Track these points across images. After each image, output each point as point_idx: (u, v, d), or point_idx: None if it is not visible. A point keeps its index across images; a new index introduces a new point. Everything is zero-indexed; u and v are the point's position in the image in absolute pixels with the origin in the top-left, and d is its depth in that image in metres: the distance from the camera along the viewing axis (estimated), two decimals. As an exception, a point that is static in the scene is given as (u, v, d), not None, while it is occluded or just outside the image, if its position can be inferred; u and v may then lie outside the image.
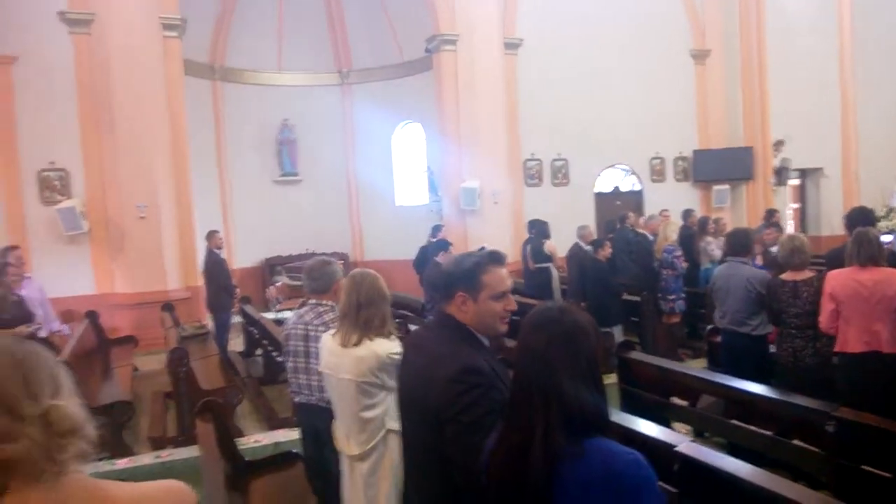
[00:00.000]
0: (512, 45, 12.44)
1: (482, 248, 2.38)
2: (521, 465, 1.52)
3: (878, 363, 4.29)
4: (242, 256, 13.49)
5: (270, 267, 13.85)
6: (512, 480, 1.55)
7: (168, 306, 9.62)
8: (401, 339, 3.11)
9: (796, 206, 15.78)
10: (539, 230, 9.27)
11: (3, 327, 5.38)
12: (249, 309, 9.52)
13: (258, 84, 13.90)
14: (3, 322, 5.40)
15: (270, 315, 10.79)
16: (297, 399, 3.71)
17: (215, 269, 8.86)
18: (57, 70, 9.74)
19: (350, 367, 3.02)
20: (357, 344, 3.02)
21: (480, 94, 11.74)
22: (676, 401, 5.15)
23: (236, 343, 9.51)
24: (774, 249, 6.70)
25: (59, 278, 9.14)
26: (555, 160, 13.13)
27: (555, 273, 9.15)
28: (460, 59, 11.71)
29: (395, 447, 2.99)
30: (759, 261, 7.06)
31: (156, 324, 9.39)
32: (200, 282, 9.78)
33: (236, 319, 9.60)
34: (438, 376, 1.98)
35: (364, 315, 3.03)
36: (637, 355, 5.64)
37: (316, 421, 3.53)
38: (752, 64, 13.79)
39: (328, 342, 3.18)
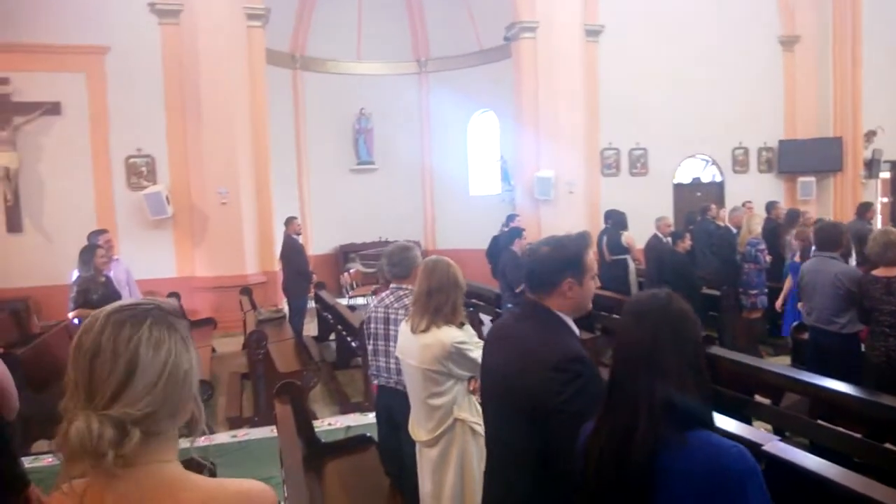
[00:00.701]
0: (593, 32, 12.25)
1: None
2: (624, 451, 1.51)
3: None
4: (318, 243, 13.82)
5: (344, 254, 14.15)
6: (613, 467, 1.55)
7: (246, 290, 9.96)
8: (475, 328, 3.10)
9: (886, 199, 14.92)
10: (616, 221, 9.10)
11: (93, 306, 5.68)
12: (324, 294, 9.74)
13: (337, 73, 14.18)
14: (92, 302, 5.64)
15: (344, 301, 11.02)
16: (375, 381, 3.78)
17: (293, 254, 9.10)
18: (145, 59, 10.19)
19: (416, 353, 3.05)
20: (425, 330, 3.03)
21: (559, 82, 11.60)
22: (759, 398, 4.99)
23: (310, 327, 9.74)
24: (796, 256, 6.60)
25: (143, 261, 9.54)
26: (633, 149, 12.87)
27: (632, 265, 8.98)
28: (539, 47, 11.60)
29: (462, 436, 3.01)
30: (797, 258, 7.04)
31: (234, 307, 9.75)
32: (278, 267, 10.07)
33: (311, 304, 9.83)
34: (538, 366, 1.95)
35: (434, 301, 3.04)
36: (718, 350, 5.48)
37: (392, 403, 3.60)
38: (845, 51, 13.06)
39: (403, 326, 3.23)
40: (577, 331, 2.14)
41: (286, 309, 9.24)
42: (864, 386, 4.67)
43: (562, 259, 2.10)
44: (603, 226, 9.58)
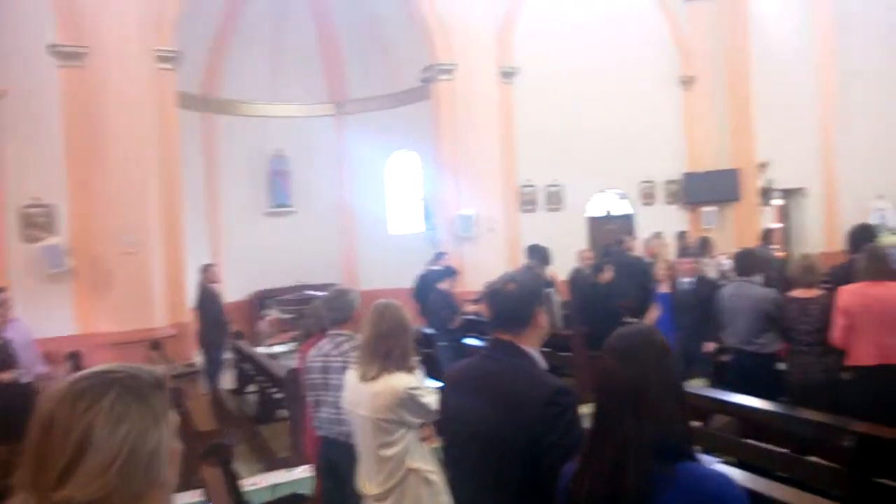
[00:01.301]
0: (508, 74, 12.64)
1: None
2: (614, 487, 1.51)
3: (890, 375, 4.30)
4: (232, 289, 13.31)
5: (261, 300, 13.69)
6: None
7: (156, 344, 9.40)
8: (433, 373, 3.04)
9: (779, 225, 15.97)
10: (540, 256, 9.26)
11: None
12: (242, 344, 9.36)
13: (252, 115, 13.92)
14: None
15: (261, 349, 10.62)
16: (318, 433, 3.61)
17: (209, 303, 8.73)
18: (45, 104, 9.57)
19: (366, 402, 2.93)
20: (375, 378, 2.92)
21: (476, 123, 11.86)
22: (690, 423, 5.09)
23: (225, 380, 9.31)
24: (687, 281, 6.82)
25: (40, 319, 8.76)
26: (549, 186, 13.27)
27: (556, 298, 9.12)
28: (457, 88, 11.84)
29: (415, 487, 2.91)
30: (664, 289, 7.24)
31: (142, 363, 9.13)
32: (190, 318, 9.59)
33: (226, 356, 9.42)
34: (530, 404, 1.94)
35: (384, 347, 2.94)
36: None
37: (334, 456, 3.45)
38: (737, 89, 14.09)
39: (350, 376, 3.10)
40: (545, 365, 2.15)
41: (200, 362, 8.80)
42: (783, 402, 4.90)
43: (530, 291, 2.16)
44: (525, 261, 9.72)
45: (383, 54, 13.73)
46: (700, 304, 6.36)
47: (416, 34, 12.12)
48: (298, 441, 5.79)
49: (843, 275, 5.14)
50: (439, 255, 9.53)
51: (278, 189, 14.19)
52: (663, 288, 7.23)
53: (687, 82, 14.30)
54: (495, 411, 2.01)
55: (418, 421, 3.00)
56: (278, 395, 6.67)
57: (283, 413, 6.79)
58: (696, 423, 5.08)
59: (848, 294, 4.47)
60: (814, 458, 4.27)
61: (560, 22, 13.04)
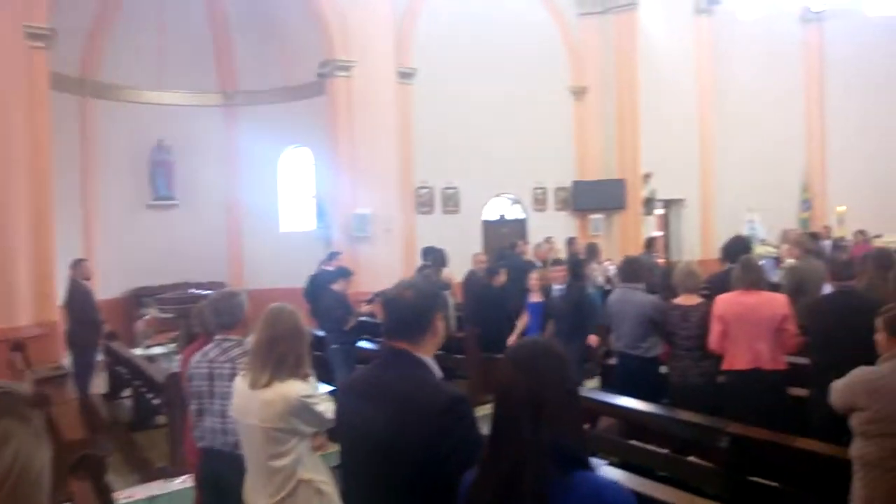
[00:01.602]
0: (406, 75, 12.57)
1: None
2: (512, 495, 1.52)
3: (761, 379, 4.58)
4: (108, 286, 12.46)
5: (138, 298, 12.87)
6: None
7: (18, 345, 8.58)
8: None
9: (660, 233, 16.89)
10: (436, 258, 9.27)
11: None
12: (117, 345, 8.76)
13: (134, 102, 13.05)
14: None
15: (138, 351, 9.97)
16: (200, 444, 3.38)
17: (81, 301, 8.10)
18: None
19: (257, 411, 2.77)
20: (267, 385, 2.77)
21: (374, 122, 11.71)
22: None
23: (96, 384, 8.65)
24: (558, 288, 6.83)
25: None
26: (446, 188, 13.33)
27: (450, 301, 9.15)
28: (354, 86, 11.65)
29: (307, 499, 2.78)
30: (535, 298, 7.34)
31: (1, 367, 8.34)
32: (59, 316, 8.86)
33: (98, 358, 8.77)
34: (423, 414, 1.90)
35: (277, 353, 2.80)
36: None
37: (219, 468, 3.23)
38: (625, 102, 14.75)
39: (239, 383, 2.93)
40: (440, 374, 2.11)
41: (68, 364, 8.15)
42: (665, 404, 5.12)
43: (428, 298, 2.13)
44: (420, 262, 9.71)
45: (279, 46, 13.29)
46: (572, 310, 6.54)
47: (314, 28, 11.83)
48: (178, 450, 5.45)
49: (720, 284, 5.45)
50: (333, 255, 9.33)
51: (161, 181, 13.40)
52: (534, 297, 7.33)
53: (579, 93, 14.83)
54: (390, 421, 1.97)
55: (311, 430, 2.88)
56: (156, 401, 6.26)
57: (161, 420, 6.40)
58: (584, 426, 5.24)
59: (723, 302, 4.72)
60: (692, 458, 4.48)
61: (459, 27, 13.14)
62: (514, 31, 13.83)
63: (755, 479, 4.06)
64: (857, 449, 3.07)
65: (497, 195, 14.26)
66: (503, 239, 12.57)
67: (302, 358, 2.88)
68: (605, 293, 7.41)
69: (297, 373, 2.84)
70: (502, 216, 14.46)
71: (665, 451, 4.64)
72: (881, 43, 16.96)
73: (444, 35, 12.98)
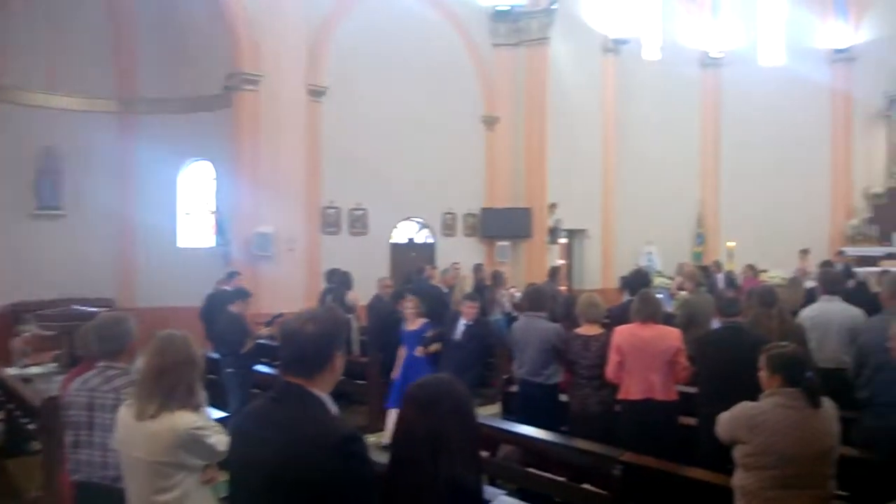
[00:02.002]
0: (317, 92, 12.38)
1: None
2: None
3: (653, 409, 4.72)
4: (-21, 301, 11.51)
5: (16, 314, 11.91)
6: None
7: None
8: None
9: (564, 262, 17.39)
10: (340, 281, 9.11)
11: None
12: (-11, 364, 8.06)
13: (20, 103, 12.15)
14: None
15: (14, 371, 9.21)
16: (74, 477, 3.13)
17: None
18: None
19: (143, 444, 2.63)
20: (154, 416, 2.63)
21: (280, 138, 11.45)
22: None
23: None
24: (464, 322, 6.58)
25: None
26: (354, 209, 13.16)
27: (354, 324, 9.01)
28: (262, 100, 11.37)
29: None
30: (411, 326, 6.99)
31: None
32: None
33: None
34: (315, 451, 1.82)
35: (166, 383, 2.67)
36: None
37: (95, 502, 3.01)
38: (534, 133, 15.17)
39: (122, 414, 2.74)
40: (336, 410, 2.03)
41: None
42: (565, 432, 5.21)
43: (331, 333, 2.03)
44: (324, 284, 9.53)
45: (185, 53, 12.75)
46: (472, 344, 6.53)
47: (223, 39, 11.49)
48: (53, 479, 5.04)
49: (620, 315, 5.62)
50: (231, 275, 9.01)
51: (47, 189, 12.50)
52: (410, 325, 7.03)
53: (490, 122, 15.13)
54: (281, 459, 1.88)
55: (201, 463, 2.74)
56: (31, 426, 5.77)
57: (37, 446, 5.90)
58: (483, 453, 5.25)
59: (621, 334, 4.86)
60: (587, 486, 4.56)
61: (373, 48, 13.11)
62: (430, 56, 13.98)
63: (647, 507, 4.18)
64: (738, 479, 3.20)
65: (406, 218, 14.25)
66: (411, 263, 12.55)
67: (193, 388, 2.77)
68: (511, 320, 7.51)
69: (187, 403, 2.72)
70: (411, 240, 14.46)
71: (562, 478, 4.69)
72: (771, 90, 18.33)
73: (358, 55, 12.92)
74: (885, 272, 7.65)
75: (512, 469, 5.09)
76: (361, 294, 9.22)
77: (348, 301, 8.87)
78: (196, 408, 2.75)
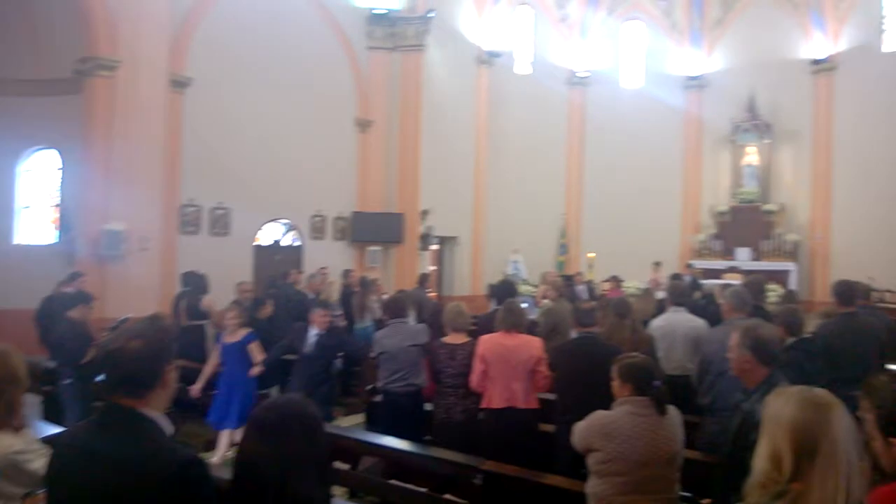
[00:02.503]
0: (179, 83, 11.65)
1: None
2: None
3: (514, 417, 4.78)
4: None
5: None
6: None
7: None
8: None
9: (434, 268, 17.54)
10: (196, 284, 8.57)
11: None
12: None
13: None
14: None
15: None
16: None
17: None
18: None
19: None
20: None
21: (137, 129, 10.59)
22: (338, 465, 5.08)
23: None
24: (315, 332, 6.13)
25: None
26: (215, 208, 12.46)
27: (210, 331, 8.51)
28: (118, 88, 10.46)
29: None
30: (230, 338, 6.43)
31: None
32: None
33: None
34: (150, 480, 1.66)
35: None
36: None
37: None
38: (408, 139, 15.18)
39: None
40: (171, 429, 1.87)
41: None
42: (429, 442, 5.17)
43: (159, 347, 1.87)
44: (179, 288, 8.96)
45: (32, 32, 11.58)
46: (324, 357, 6.16)
47: (76, 19, 10.49)
48: None
49: (486, 323, 5.66)
50: (74, 276, 8.23)
51: None
52: (230, 336, 6.45)
53: (363, 125, 14.96)
54: (114, 490, 1.70)
55: (21, 490, 2.43)
56: None
57: None
58: (344, 466, 5.09)
59: (485, 343, 4.90)
60: (449, 496, 4.53)
61: (243, 41, 12.58)
62: (302, 54, 13.61)
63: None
64: (591, 486, 3.27)
65: (272, 220, 13.76)
66: (276, 266, 12.08)
67: (14, 407, 2.49)
68: (381, 326, 7.36)
69: (6, 424, 2.43)
70: (277, 242, 13.97)
71: (423, 489, 4.64)
72: (632, 111, 19.54)
73: (226, 48, 12.32)
74: (727, 285, 8.24)
75: (373, 481, 4.99)
76: (220, 299, 8.74)
77: (203, 306, 8.36)
78: (17, 429, 2.48)
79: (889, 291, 15.26)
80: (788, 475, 1.62)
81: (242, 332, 6.42)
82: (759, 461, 1.70)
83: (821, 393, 1.71)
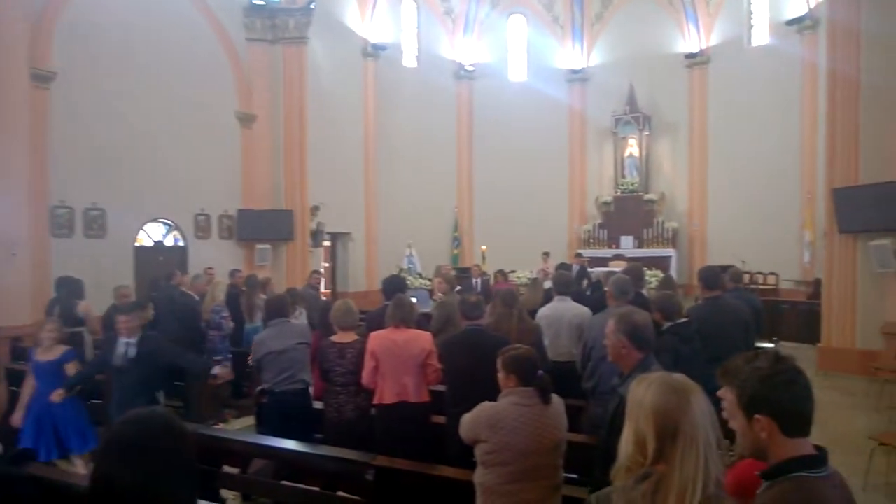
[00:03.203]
0: (43, 78, 10.79)
1: None
2: None
3: (407, 411, 4.80)
4: None
5: None
6: None
7: None
8: None
9: (328, 265, 17.31)
10: (71, 289, 8.02)
11: None
12: None
13: None
14: None
15: None
16: None
17: None
18: None
19: None
20: None
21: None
22: (227, 469, 4.94)
23: None
24: (124, 341, 5.39)
25: None
26: (89, 209, 11.66)
27: (88, 338, 8.00)
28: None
29: None
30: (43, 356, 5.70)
31: None
32: None
33: None
34: None
35: None
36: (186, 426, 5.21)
37: None
38: (294, 134, 14.81)
39: None
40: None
41: None
42: (320, 441, 5.09)
43: None
44: (53, 294, 8.36)
45: None
46: (139, 367, 5.41)
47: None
48: None
49: (376, 319, 5.63)
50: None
51: None
52: (43, 355, 5.72)
53: (246, 119, 14.48)
54: None
55: None
56: None
57: None
58: (234, 470, 4.93)
59: (375, 339, 4.87)
60: (341, 493, 4.49)
61: (113, 32, 11.88)
62: (179, 45, 13.05)
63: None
64: (478, 476, 3.32)
65: (153, 220, 13.10)
66: (160, 268, 11.52)
67: None
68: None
69: None
70: (158, 243, 13.31)
71: (315, 488, 4.58)
72: (518, 105, 20.03)
73: (94, 39, 11.59)
74: (610, 273, 8.60)
75: (264, 483, 4.88)
76: (98, 304, 8.23)
77: (79, 312, 7.84)
78: None
79: (760, 273, 16.48)
80: (652, 457, 1.69)
81: (59, 350, 5.75)
82: (625, 445, 1.77)
83: (680, 378, 1.80)
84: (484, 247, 18.35)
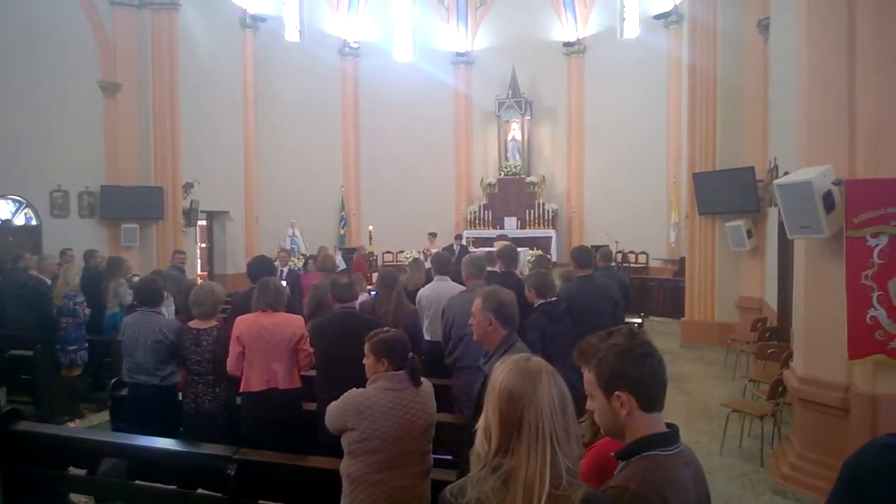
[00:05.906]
0: None
1: None
2: None
3: (276, 399, 4.56)
4: None
5: None
6: None
7: None
8: None
9: (203, 245, 16.46)
10: None
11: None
12: None
13: None
14: None
15: None
16: None
17: None
18: None
19: None
20: None
21: None
22: (74, 470, 4.51)
23: None
24: None
25: None
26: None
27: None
28: None
29: None
30: None
31: None
32: None
33: None
34: None
35: None
36: (26, 425, 4.75)
37: None
38: (164, 106, 13.80)
39: None
40: None
41: None
42: (181, 436, 4.75)
43: None
44: None
45: None
46: None
47: None
48: None
49: (243, 303, 5.31)
50: None
51: None
52: None
53: (110, 89, 13.34)
54: None
55: None
56: None
57: None
58: (80, 471, 4.51)
59: (242, 323, 4.58)
60: (202, 490, 4.21)
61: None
62: (33, 10, 11.88)
63: (264, 502, 3.99)
64: (345, 466, 3.17)
65: (2, 196, 11.89)
66: (8, 249, 10.46)
67: None
68: (131, 311, 6.60)
69: None
70: (7, 221, 12.10)
71: (173, 486, 4.27)
72: (404, 85, 19.83)
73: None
74: (489, 252, 8.66)
75: (116, 484, 4.49)
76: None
77: None
78: None
79: (633, 252, 17.29)
80: (494, 447, 1.60)
81: None
82: (478, 431, 1.67)
83: (534, 363, 1.70)
84: (371, 227, 18.10)
